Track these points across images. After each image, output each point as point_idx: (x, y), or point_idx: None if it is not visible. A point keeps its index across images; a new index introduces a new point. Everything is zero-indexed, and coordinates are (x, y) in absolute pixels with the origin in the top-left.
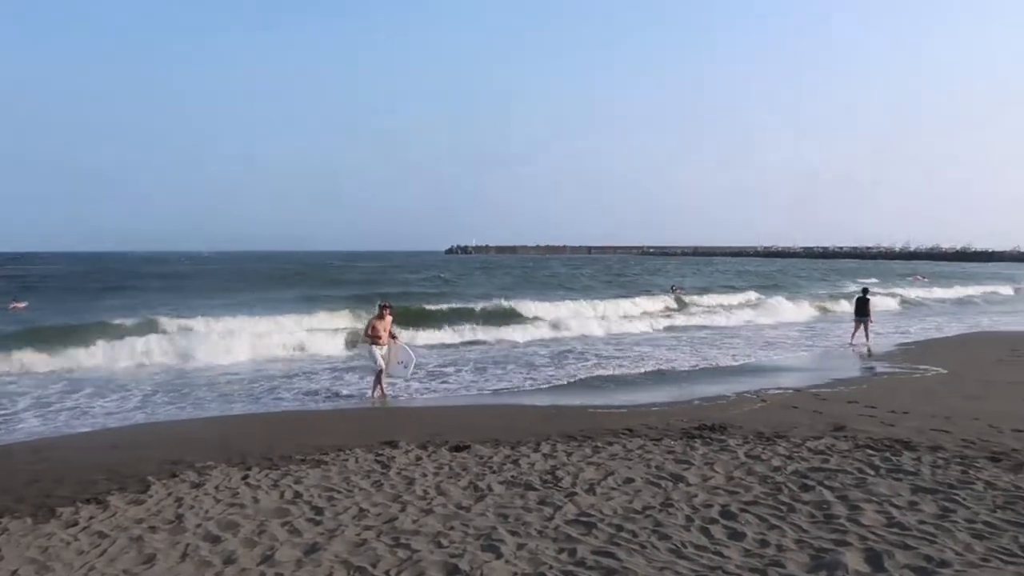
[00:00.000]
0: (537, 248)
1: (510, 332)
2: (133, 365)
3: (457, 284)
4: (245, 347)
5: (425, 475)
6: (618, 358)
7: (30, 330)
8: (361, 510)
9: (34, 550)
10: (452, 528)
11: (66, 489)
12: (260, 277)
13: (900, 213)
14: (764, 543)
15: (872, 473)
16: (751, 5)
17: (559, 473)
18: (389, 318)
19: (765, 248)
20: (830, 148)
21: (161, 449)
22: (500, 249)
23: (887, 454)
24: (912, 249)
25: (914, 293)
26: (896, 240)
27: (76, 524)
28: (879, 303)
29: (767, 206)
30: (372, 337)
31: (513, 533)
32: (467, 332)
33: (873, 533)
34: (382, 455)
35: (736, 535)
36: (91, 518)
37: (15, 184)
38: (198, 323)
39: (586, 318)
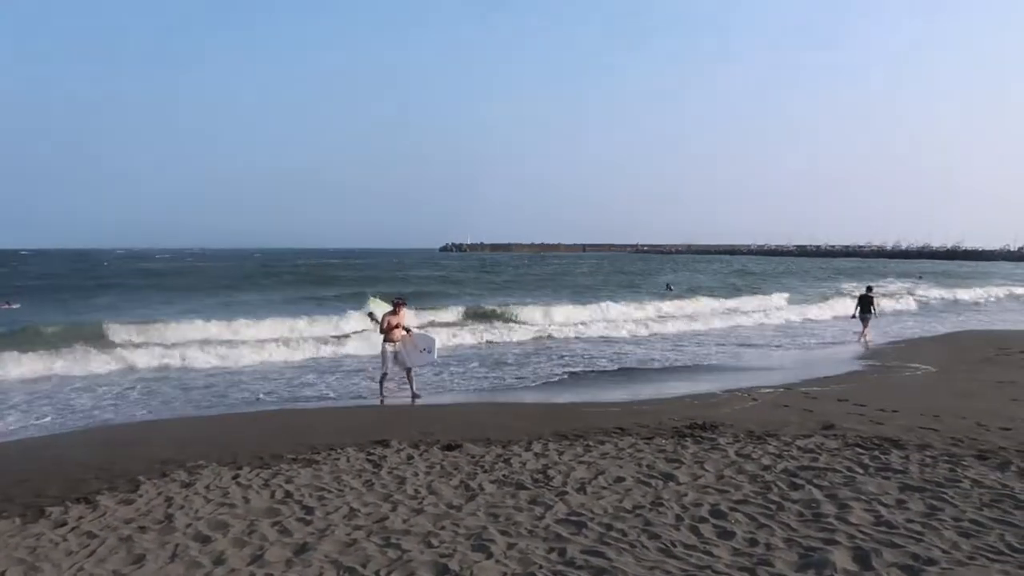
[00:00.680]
0: (532, 246)
1: (503, 333)
2: (120, 366)
3: (461, 283)
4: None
5: (416, 474)
6: (610, 358)
7: (21, 330)
8: (352, 510)
9: (22, 550)
10: (443, 528)
11: (55, 488)
12: (210, 279)
13: (888, 211)
14: (753, 542)
15: (861, 471)
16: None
17: (550, 472)
18: (403, 312)
19: (759, 246)
20: (822, 146)
21: (151, 448)
22: (495, 247)
23: (876, 452)
24: (904, 247)
25: (936, 293)
26: (887, 238)
27: (65, 524)
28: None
29: (759, 204)
30: (385, 333)
31: (503, 533)
32: (465, 333)
33: (861, 532)
34: (373, 454)
35: (726, 534)
36: (80, 518)
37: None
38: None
39: (583, 319)
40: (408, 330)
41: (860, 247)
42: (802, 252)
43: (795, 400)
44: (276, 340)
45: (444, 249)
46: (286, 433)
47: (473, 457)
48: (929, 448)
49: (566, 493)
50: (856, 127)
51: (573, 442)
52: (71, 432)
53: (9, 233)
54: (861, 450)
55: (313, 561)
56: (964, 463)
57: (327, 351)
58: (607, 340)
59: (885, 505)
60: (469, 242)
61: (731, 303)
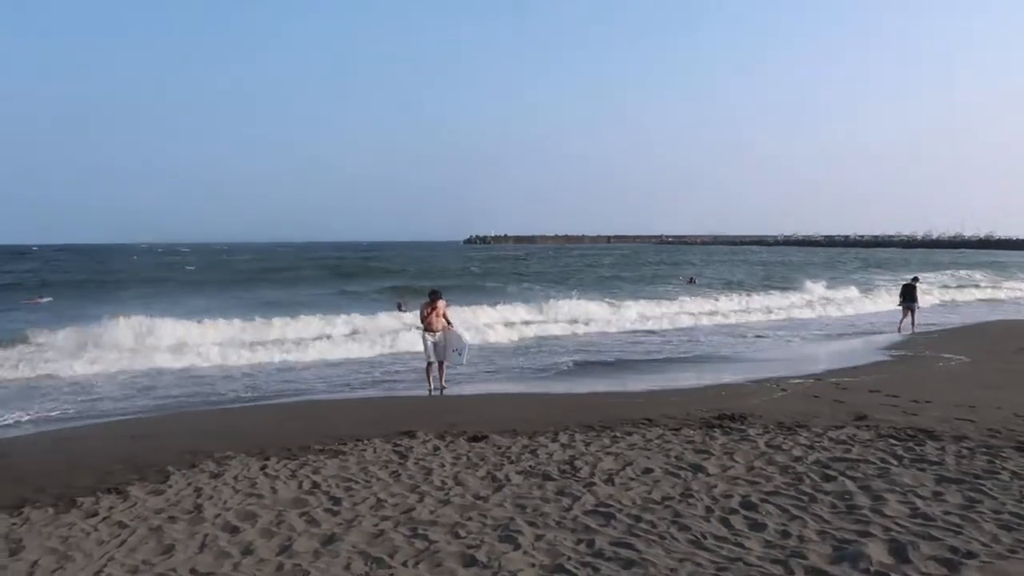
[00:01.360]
0: (556, 237)
1: (537, 328)
2: (147, 360)
3: (494, 275)
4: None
5: (443, 465)
6: (640, 349)
7: (52, 321)
8: (379, 500)
9: (55, 540)
10: (470, 519)
11: (87, 479)
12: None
13: (919, 200)
14: (785, 534)
15: (895, 463)
16: None
17: (577, 463)
18: (441, 304)
19: (785, 237)
20: (850, 135)
21: (180, 439)
22: (518, 239)
23: (910, 444)
24: (935, 237)
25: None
26: (917, 228)
27: (96, 514)
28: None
29: (783, 194)
30: (424, 323)
31: (531, 524)
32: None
33: (897, 524)
34: (400, 445)
35: (757, 526)
36: (111, 508)
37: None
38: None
39: (609, 314)
40: (449, 323)
41: (890, 237)
42: (831, 243)
43: (826, 391)
44: (353, 334)
45: (468, 242)
46: (313, 424)
47: (499, 448)
48: (965, 439)
49: (594, 484)
50: (889, 113)
51: (600, 433)
52: (101, 423)
53: (35, 229)
54: (895, 441)
55: (341, 552)
56: (1003, 455)
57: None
58: (650, 332)
59: (921, 497)
60: (493, 234)
61: (758, 299)
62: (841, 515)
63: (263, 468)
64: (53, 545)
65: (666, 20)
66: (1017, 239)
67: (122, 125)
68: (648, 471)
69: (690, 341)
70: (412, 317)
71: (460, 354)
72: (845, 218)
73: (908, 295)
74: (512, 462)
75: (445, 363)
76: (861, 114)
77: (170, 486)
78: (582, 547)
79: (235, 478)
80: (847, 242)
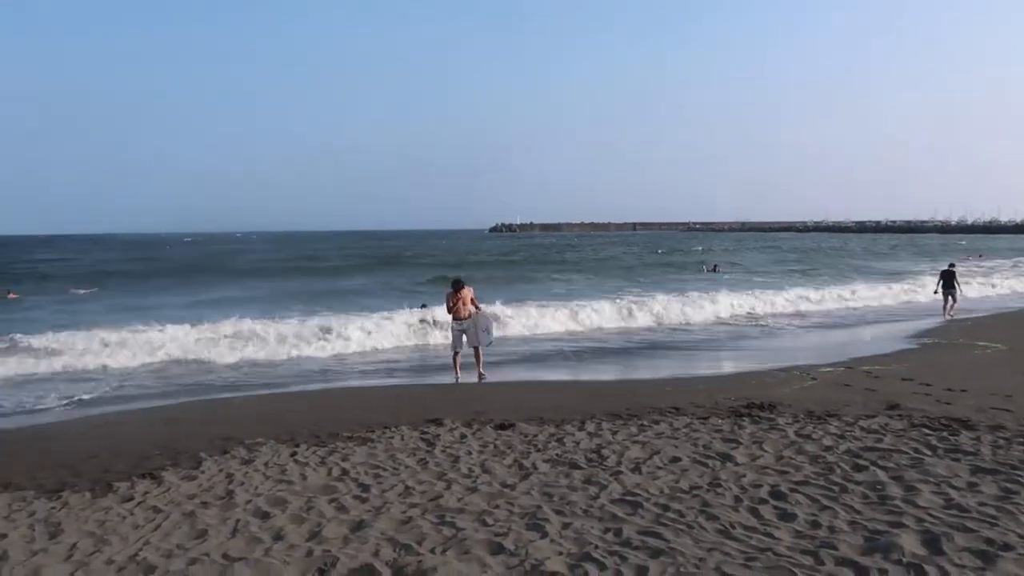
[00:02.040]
0: (582, 225)
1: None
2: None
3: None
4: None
5: (470, 453)
6: (667, 339)
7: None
8: (407, 487)
9: (92, 523)
10: (497, 506)
11: (122, 464)
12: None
13: (951, 185)
14: (815, 524)
15: (929, 453)
16: None
17: (604, 452)
18: (466, 292)
19: (815, 223)
20: (882, 120)
21: (213, 425)
22: (544, 227)
23: (944, 433)
24: (970, 222)
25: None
26: (952, 213)
27: (132, 499)
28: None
29: (812, 180)
30: (451, 312)
31: (558, 512)
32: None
33: (930, 515)
34: (427, 433)
35: (786, 516)
36: (146, 493)
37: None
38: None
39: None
40: (477, 307)
41: (923, 222)
42: (862, 228)
43: (857, 379)
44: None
45: (494, 230)
46: (341, 412)
47: (526, 436)
48: (1002, 429)
49: (621, 473)
50: (922, 98)
51: (627, 421)
52: (136, 409)
53: (74, 219)
54: (928, 431)
55: (370, 538)
56: None
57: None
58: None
59: (955, 488)
60: (519, 222)
61: (791, 292)
62: (873, 506)
63: (293, 455)
64: (90, 529)
65: (694, 3)
66: None
67: (123, 123)
68: (676, 460)
69: (719, 331)
70: (438, 314)
71: (488, 333)
72: (876, 203)
73: (948, 282)
74: (539, 450)
75: (480, 348)
76: (888, 99)
77: (202, 472)
78: (609, 536)
79: (265, 464)
80: (879, 228)
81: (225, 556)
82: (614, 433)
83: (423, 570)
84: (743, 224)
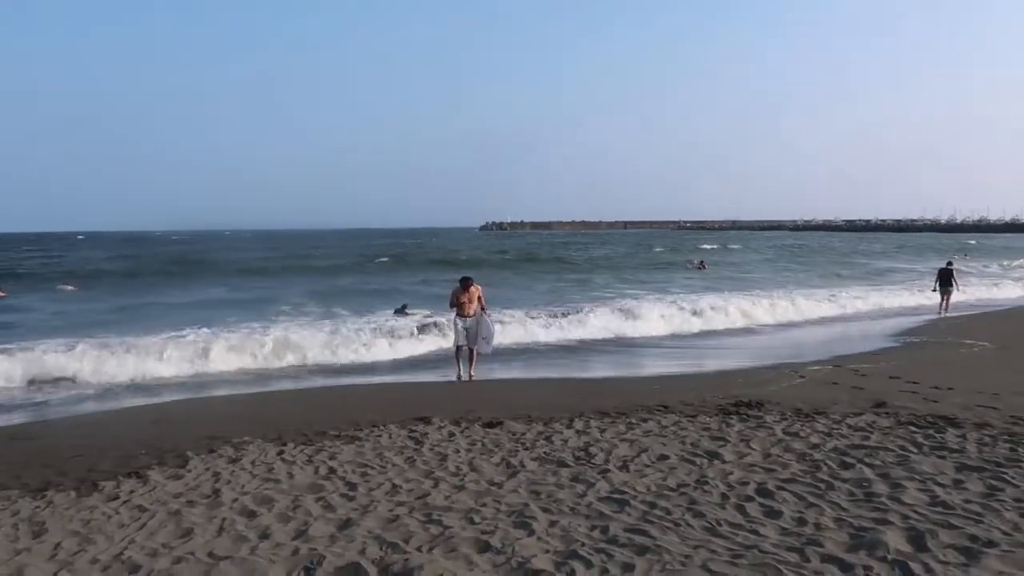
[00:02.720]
0: (573, 224)
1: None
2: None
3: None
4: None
5: (458, 451)
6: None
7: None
8: (394, 486)
9: (77, 523)
10: (484, 504)
11: (108, 463)
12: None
13: (940, 184)
14: (802, 521)
15: (915, 451)
16: None
17: (592, 450)
18: (475, 289)
19: (805, 221)
20: (870, 118)
21: (199, 424)
22: (535, 225)
23: (931, 431)
24: (959, 221)
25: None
26: (941, 212)
27: (117, 498)
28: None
29: (803, 179)
30: (456, 308)
31: (545, 510)
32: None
33: (915, 512)
34: (415, 431)
35: (773, 513)
36: (132, 492)
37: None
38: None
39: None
40: (484, 309)
41: (912, 221)
42: (851, 227)
43: (845, 377)
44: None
45: (484, 228)
46: (329, 410)
47: (514, 434)
48: (987, 427)
49: (608, 471)
50: (914, 94)
51: (615, 419)
52: (123, 408)
53: (62, 217)
54: (915, 428)
55: (356, 536)
56: None
57: None
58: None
59: (941, 485)
60: (510, 220)
61: (779, 290)
62: (859, 503)
63: (280, 453)
64: (75, 528)
65: (683, 3)
66: None
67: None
68: (663, 458)
69: (706, 328)
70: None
71: (488, 342)
72: (864, 203)
73: (945, 280)
74: (527, 448)
75: (475, 350)
76: (876, 98)
77: (189, 470)
78: (596, 533)
79: (252, 463)
80: (869, 227)
81: (211, 555)
82: (602, 431)
83: (410, 568)
84: (733, 222)
